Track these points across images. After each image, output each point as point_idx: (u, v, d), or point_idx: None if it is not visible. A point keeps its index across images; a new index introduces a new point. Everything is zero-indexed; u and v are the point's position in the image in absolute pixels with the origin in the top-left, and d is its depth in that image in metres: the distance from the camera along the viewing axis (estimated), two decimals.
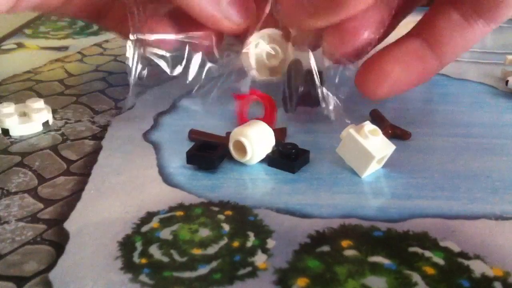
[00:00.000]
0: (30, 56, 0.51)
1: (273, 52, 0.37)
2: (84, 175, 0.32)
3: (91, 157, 0.33)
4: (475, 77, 0.45)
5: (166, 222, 0.27)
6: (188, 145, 0.33)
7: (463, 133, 0.36)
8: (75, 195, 0.30)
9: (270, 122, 0.33)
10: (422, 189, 0.30)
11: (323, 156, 0.33)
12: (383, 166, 0.32)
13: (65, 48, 0.53)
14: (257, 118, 0.34)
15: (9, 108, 0.37)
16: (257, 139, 0.31)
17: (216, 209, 0.28)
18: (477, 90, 0.43)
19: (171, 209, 0.28)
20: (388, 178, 0.31)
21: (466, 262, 0.24)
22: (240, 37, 0.37)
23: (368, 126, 0.31)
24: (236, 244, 0.26)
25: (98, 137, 0.36)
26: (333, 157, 0.32)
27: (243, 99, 0.35)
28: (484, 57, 0.50)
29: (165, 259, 0.25)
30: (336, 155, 0.32)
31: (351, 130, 0.31)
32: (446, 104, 0.41)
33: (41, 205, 0.29)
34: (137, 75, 0.36)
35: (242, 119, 0.35)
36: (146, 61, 0.36)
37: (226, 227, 0.27)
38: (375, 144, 0.30)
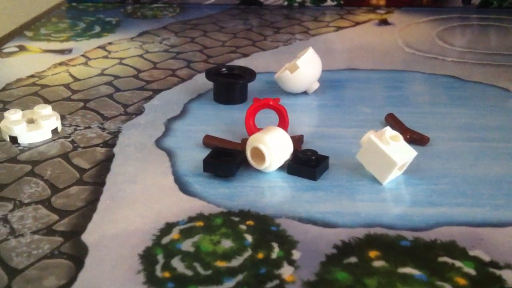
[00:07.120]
0: (33, 59, 0.50)
1: None
2: (98, 184, 0.31)
3: (104, 165, 0.33)
4: (485, 79, 0.45)
5: (186, 233, 0.27)
6: (201, 151, 0.32)
7: (479, 137, 0.36)
8: (91, 206, 0.29)
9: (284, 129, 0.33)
10: (445, 196, 0.29)
11: (341, 162, 0.32)
12: (403, 172, 0.31)
13: (68, 51, 0.52)
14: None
15: (17, 114, 0.36)
16: (276, 146, 0.30)
17: (236, 219, 0.28)
18: (488, 93, 0.43)
19: (191, 219, 0.28)
20: (409, 184, 0.30)
21: (497, 271, 0.24)
22: None
23: (390, 131, 0.30)
24: (260, 255, 0.25)
25: (109, 144, 0.35)
26: (351, 163, 0.32)
27: (252, 107, 0.34)
28: (492, 59, 0.50)
29: (189, 273, 0.24)
30: (354, 161, 0.31)
31: (372, 136, 0.30)
32: (459, 107, 0.40)
33: (56, 217, 0.28)
34: None
35: (249, 128, 0.34)
36: None
37: (249, 238, 0.26)
38: (396, 150, 0.30)
